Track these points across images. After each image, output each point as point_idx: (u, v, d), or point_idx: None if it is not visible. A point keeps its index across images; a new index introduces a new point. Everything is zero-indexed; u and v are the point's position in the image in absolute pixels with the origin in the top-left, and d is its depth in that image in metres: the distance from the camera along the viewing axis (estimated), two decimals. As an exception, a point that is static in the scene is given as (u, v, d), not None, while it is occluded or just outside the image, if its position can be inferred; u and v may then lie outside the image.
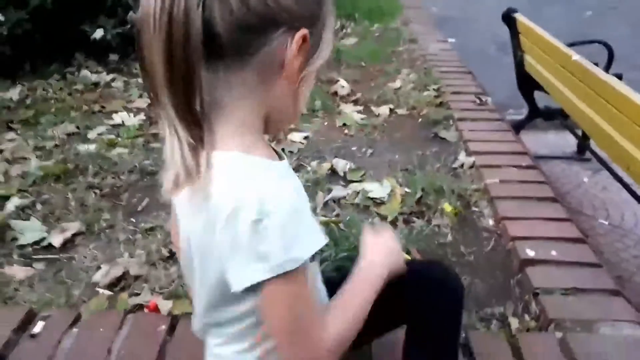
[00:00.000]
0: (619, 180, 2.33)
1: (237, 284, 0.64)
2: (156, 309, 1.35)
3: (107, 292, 1.45)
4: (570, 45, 2.54)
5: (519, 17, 2.88)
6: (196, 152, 0.61)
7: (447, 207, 1.79)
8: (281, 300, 0.65)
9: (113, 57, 3.39)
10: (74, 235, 1.74)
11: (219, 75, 0.63)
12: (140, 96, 2.94)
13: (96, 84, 3.10)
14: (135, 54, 0.63)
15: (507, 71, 3.26)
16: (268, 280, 0.61)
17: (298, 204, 0.64)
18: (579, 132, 3.01)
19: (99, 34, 3.13)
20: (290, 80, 0.66)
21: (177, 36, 0.55)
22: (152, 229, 1.78)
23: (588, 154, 3.15)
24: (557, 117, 3.09)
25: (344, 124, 2.66)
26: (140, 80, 3.17)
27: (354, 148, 2.43)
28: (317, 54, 0.67)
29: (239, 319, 0.74)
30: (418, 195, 1.93)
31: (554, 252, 1.59)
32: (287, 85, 0.66)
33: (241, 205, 0.60)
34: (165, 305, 1.36)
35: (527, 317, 1.39)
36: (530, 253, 1.59)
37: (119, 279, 1.50)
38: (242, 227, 0.60)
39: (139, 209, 1.92)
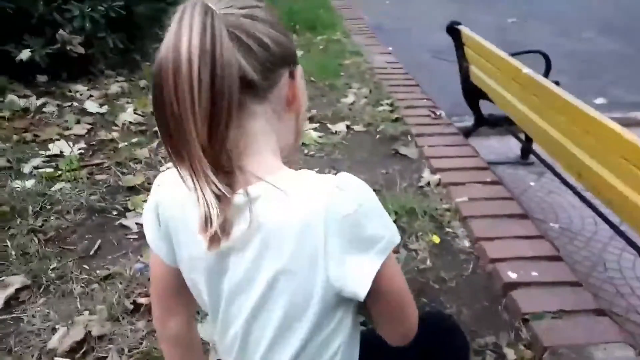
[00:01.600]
0: (565, 182, 2.42)
1: (363, 282, 0.62)
2: (130, 378, 1.20)
3: (68, 361, 1.28)
4: (512, 55, 2.62)
5: (463, 29, 2.93)
6: (228, 201, 0.59)
7: (436, 239, 1.75)
8: (398, 273, 0.69)
9: (42, 78, 3.11)
10: (18, 290, 1.53)
11: (247, 111, 0.64)
12: (78, 122, 2.70)
13: (25, 110, 2.81)
14: (154, 105, 0.59)
15: (445, 78, 3.33)
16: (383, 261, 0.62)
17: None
18: (522, 137, 3.12)
19: (25, 54, 2.85)
20: (296, 113, 0.71)
21: (221, 79, 0.56)
22: (109, 276, 1.60)
23: (531, 158, 3.28)
24: (502, 124, 3.19)
25: (303, 144, 2.57)
26: (77, 104, 2.93)
27: (316, 169, 2.34)
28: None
29: (335, 325, 0.69)
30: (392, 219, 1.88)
31: (534, 273, 1.59)
32: (291, 118, 0.71)
33: (319, 209, 0.59)
34: (140, 374, 1.21)
35: (521, 346, 1.37)
36: (512, 275, 1.58)
37: (80, 342, 1.33)
38: (337, 226, 0.59)
39: (91, 253, 1.73)
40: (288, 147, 0.73)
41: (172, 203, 0.69)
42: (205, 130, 0.57)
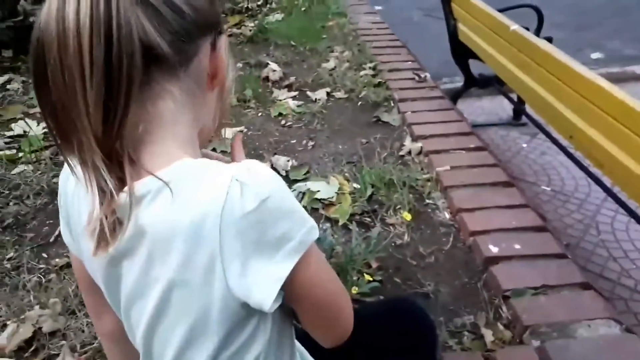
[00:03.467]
0: (556, 143, 2.31)
1: (268, 292, 0.51)
2: (78, 379, 1.12)
3: (15, 362, 1.20)
4: (501, 11, 2.46)
5: (450, -17, 2.77)
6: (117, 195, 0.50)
7: (407, 216, 1.65)
8: (321, 273, 0.59)
9: (6, 53, 2.95)
10: (-30, 283, 1.45)
11: (154, 91, 0.53)
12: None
13: (-12, 88, 2.68)
14: (34, 85, 0.50)
15: (436, 38, 3.17)
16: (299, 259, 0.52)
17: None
18: (514, 97, 2.99)
19: (-15, 28, 2.69)
20: (220, 90, 0.62)
21: (119, 53, 0.46)
22: (68, 265, 1.51)
23: (524, 119, 3.16)
24: (493, 84, 3.05)
25: (280, 114, 2.45)
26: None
27: (293, 141, 2.23)
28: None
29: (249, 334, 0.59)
30: (369, 193, 1.78)
31: (517, 246, 1.50)
32: (213, 97, 0.61)
33: (215, 207, 0.49)
34: (89, 373, 1.13)
35: (500, 325, 1.29)
36: (494, 249, 1.49)
37: (29, 341, 1.25)
38: (236, 227, 0.49)
39: (51, 239, 1.64)
40: (208, 130, 0.64)
41: (70, 195, 0.59)
42: (98, 114, 0.47)
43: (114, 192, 0.49)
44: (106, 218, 0.49)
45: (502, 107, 3.58)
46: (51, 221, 1.73)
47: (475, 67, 3.03)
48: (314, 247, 0.55)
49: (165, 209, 0.50)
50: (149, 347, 0.59)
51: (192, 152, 0.56)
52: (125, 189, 0.50)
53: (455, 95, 3.14)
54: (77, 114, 0.47)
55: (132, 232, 0.51)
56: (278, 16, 3.86)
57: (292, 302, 0.58)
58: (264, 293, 0.51)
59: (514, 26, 2.19)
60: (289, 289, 0.53)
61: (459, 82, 3.45)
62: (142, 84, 0.49)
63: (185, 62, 0.55)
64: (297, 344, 0.76)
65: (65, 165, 0.55)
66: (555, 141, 2.32)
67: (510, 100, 3.06)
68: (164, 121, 0.55)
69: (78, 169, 0.50)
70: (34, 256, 1.56)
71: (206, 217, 0.49)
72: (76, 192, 0.58)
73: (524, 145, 3.15)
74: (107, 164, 0.49)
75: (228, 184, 0.49)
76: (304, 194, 1.82)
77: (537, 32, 2.76)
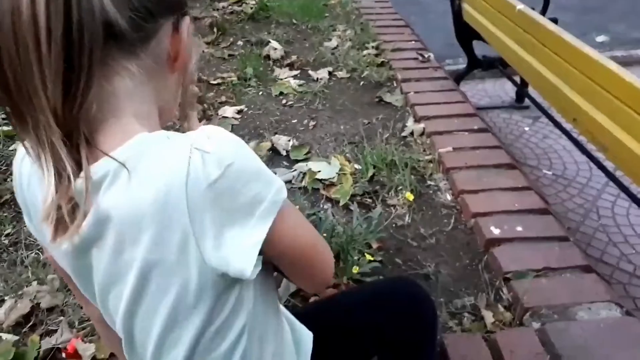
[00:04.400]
0: (559, 127, 2.30)
1: (247, 258, 0.50)
2: (76, 354, 1.11)
3: (12, 337, 1.19)
4: (507, -9, 2.42)
5: (455, -38, 2.71)
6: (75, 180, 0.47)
7: (409, 196, 1.63)
8: (298, 228, 0.59)
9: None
10: (-32, 259, 1.44)
11: (110, 68, 0.51)
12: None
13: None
14: None
15: (441, 19, 3.12)
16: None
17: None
18: (517, 80, 2.96)
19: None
20: (180, 73, 0.60)
21: (78, 26, 0.44)
22: (66, 241, 1.50)
23: (527, 102, 3.13)
24: (496, 66, 3.02)
25: (281, 93, 2.41)
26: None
27: (294, 121, 2.21)
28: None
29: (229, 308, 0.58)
30: (370, 174, 1.76)
31: (519, 228, 1.49)
32: (174, 79, 0.59)
33: (178, 180, 0.47)
34: (88, 350, 1.12)
35: (500, 307, 1.28)
36: (495, 231, 1.48)
37: (27, 316, 1.24)
38: (203, 198, 0.48)
39: (50, 216, 1.63)
40: (169, 111, 0.62)
41: (25, 180, 0.56)
42: (58, 89, 0.45)
43: (72, 177, 0.46)
44: (65, 204, 0.46)
45: (504, 90, 3.55)
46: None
47: (478, 48, 2.99)
48: (286, 205, 0.54)
49: (126, 190, 0.48)
50: (129, 331, 0.58)
51: (150, 129, 0.53)
52: (82, 173, 0.47)
53: (458, 77, 3.10)
54: (34, 89, 0.45)
55: (95, 219, 0.49)
56: (280, -7, 3.79)
57: (271, 259, 0.57)
58: (243, 261, 0.50)
59: (520, 6, 2.15)
60: (267, 250, 0.52)
61: (462, 64, 3.41)
62: (100, 59, 0.47)
63: (145, 40, 0.53)
64: (284, 311, 0.76)
65: (20, 148, 0.53)
66: (558, 124, 2.30)
67: (514, 82, 3.03)
68: (120, 99, 0.52)
69: (32, 151, 0.47)
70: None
71: (170, 192, 0.47)
72: (33, 176, 0.55)
73: (526, 128, 3.13)
74: (66, 145, 0.46)
75: (188, 154, 0.47)
76: (304, 174, 1.80)
77: (543, 13, 2.72)
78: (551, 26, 1.86)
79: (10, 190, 1.73)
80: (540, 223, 1.52)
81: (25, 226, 1.57)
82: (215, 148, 0.48)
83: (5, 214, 1.62)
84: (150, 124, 0.55)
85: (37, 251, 1.48)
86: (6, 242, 1.51)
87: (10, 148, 1.94)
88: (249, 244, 0.50)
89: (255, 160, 0.52)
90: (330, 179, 1.76)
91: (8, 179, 1.78)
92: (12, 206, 1.67)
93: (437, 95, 2.30)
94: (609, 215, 2.35)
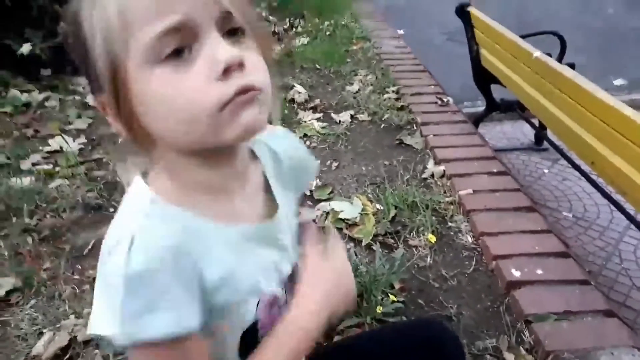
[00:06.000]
0: (578, 169, 2.32)
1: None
2: (112, 386, 1.17)
3: (52, 368, 1.25)
4: (523, 37, 2.50)
5: (473, 10, 2.82)
6: None
7: (432, 238, 1.68)
8: None
9: (45, 72, 3.09)
10: (9, 292, 1.52)
11: None
12: (79, 116, 2.67)
13: (27, 105, 2.80)
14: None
15: (459, 62, 3.20)
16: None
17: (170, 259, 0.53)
18: (536, 123, 3.00)
19: (26, 48, 2.82)
20: None
21: None
22: (101, 277, 1.57)
23: (545, 144, 3.16)
24: (515, 109, 3.07)
25: (305, 135, 2.51)
26: (78, 97, 2.91)
27: (318, 161, 2.28)
28: None
29: None
30: (392, 214, 1.81)
31: (539, 271, 1.51)
32: None
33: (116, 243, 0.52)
34: (122, 381, 1.18)
35: (522, 350, 1.30)
36: (516, 274, 1.50)
37: (64, 349, 1.30)
38: (111, 267, 0.52)
39: (85, 252, 1.70)
40: None
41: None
42: None
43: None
44: None
45: (523, 131, 3.59)
46: (85, 234, 1.79)
47: (497, 91, 3.06)
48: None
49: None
50: None
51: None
52: None
53: (477, 120, 3.16)
54: None
55: None
56: (304, 40, 3.96)
57: None
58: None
59: (537, 53, 2.22)
60: None
61: (480, 106, 3.47)
62: None
63: None
64: None
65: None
66: (577, 167, 2.32)
67: (532, 125, 3.08)
68: None
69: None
70: (69, 267, 1.63)
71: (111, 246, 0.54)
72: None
73: (546, 170, 3.15)
74: None
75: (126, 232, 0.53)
76: (327, 213, 1.86)
77: (560, 58, 2.79)
78: (568, 73, 1.92)
79: (48, 226, 1.82)
80: (560, 266, 1.54)
81: (62, 261, 1.65)
82: (139, 241, 0.53)
83: (44, 249, 1.71)
84: None
85: (73, 285, 1.55)
86: (45, 276, 1.59)
87: (50, 186, 2.05)
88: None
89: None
90: (353, 218, 1.81)
91: (47, 216, 1.88)
92: (51, 242, 1.76)
93: (456, 139, 2.36)
94: (632, 259, 2.34)
